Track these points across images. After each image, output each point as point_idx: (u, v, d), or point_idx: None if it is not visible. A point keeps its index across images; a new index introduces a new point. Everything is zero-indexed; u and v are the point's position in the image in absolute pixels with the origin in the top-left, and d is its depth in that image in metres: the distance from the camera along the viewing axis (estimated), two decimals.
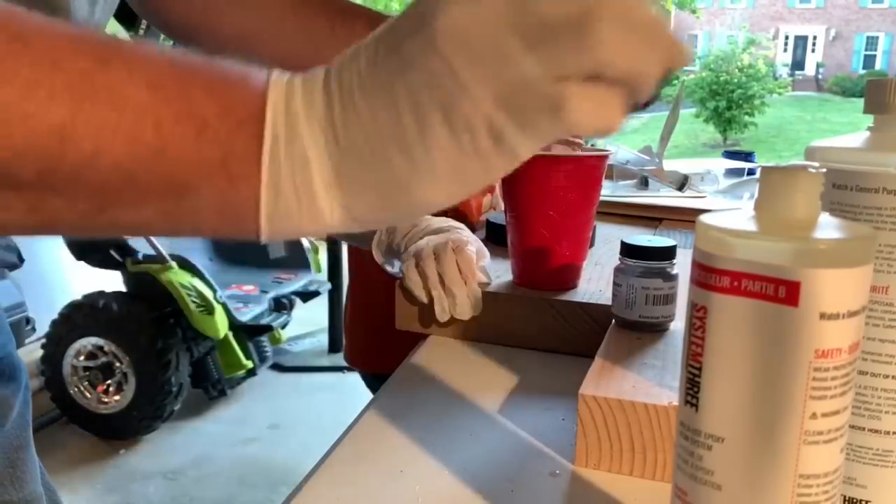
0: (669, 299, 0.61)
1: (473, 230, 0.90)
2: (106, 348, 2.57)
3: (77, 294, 2.68)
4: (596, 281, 0.76)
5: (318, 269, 3.22)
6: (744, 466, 0.29)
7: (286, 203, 0.28)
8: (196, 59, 0.28)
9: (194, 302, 2.54)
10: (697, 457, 0.31)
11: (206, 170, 0.27)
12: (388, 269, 0.86)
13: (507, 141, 0.26)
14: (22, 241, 2.47)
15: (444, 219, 0.82)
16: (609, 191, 1.24)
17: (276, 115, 0.27)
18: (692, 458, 0.31)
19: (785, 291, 0.27)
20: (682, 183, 1.23)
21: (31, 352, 2.64)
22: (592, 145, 0.90)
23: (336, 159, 0.27)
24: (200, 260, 2.86)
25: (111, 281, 2.74)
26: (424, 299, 0.71)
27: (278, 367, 3.21)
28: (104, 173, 0.26)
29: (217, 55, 0.87)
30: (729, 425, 0.29)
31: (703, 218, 0.30)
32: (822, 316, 0.27)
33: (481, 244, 0.77)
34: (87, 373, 2.60)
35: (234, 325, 2.67)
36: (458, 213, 1.08)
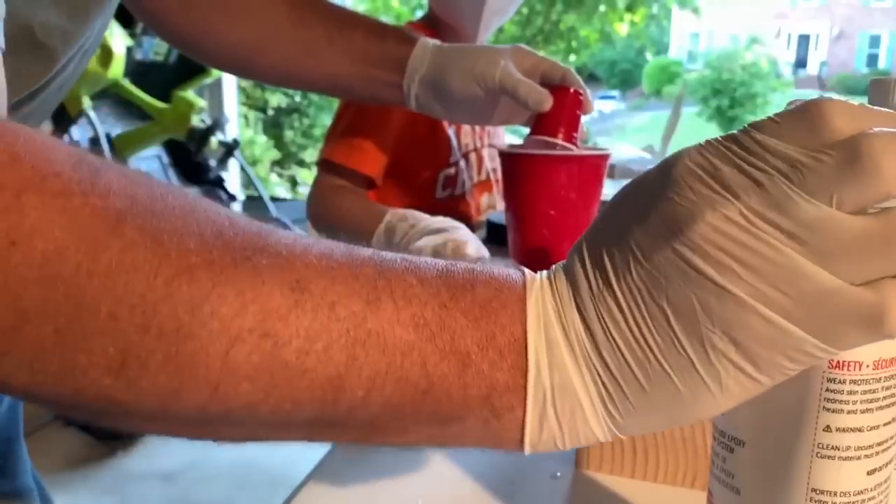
0: None
1: (473, 230, 0.89)
2: None
3: None
4: None
5: None
6: (760, 473, 0.29)
7: (550, 430, 0.27)
8: (456, 275, 0.27)
9: None
10: (722, 458, 0.31)
11: (469, 404, 0.26)
12: None
13: (811, 355, 0.24)
14: None
15: (442, 218, 0.81)
16: (610, 190, 1.23)
17: (537, 344, 0.26)
18: (718, 460, 0.31)
19: None
20: None
21: None
22: (594, 144, 0.89)
23: (606, 388, 0.26)
24: None
25: None
26: None
27: None
28: (374, 413, 0.26)
29: (217, 64, 0.88)
30: (749, 429, 0.29)
31: None
32: None
33: (480, 244, 0.76)
34: None
35: None
36: (457, 212, 1.07)
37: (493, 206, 1.15)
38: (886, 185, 0.22)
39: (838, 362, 0.27)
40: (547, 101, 0.71)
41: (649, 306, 0.25)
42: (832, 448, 0.28)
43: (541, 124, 0.73)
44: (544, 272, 0.28)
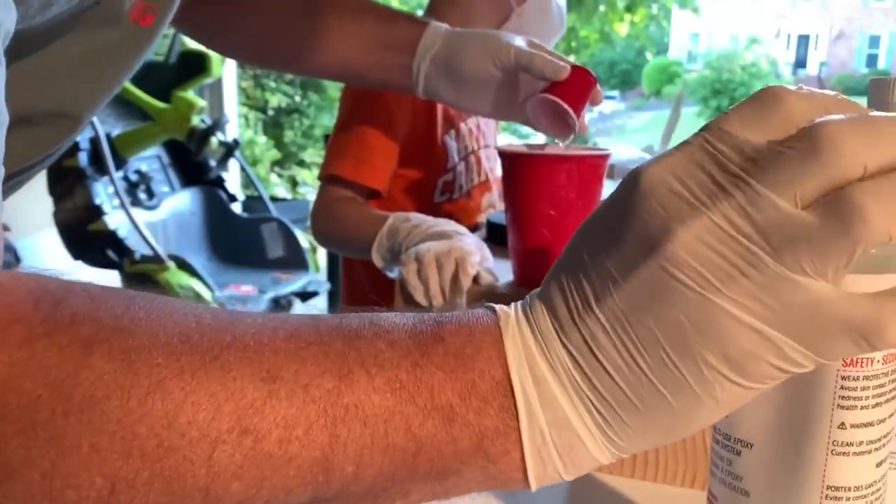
0: None
1: (473, 230, 0.89)
2: None
3: None
4: None
5: (317, 269, 3.22)
6: (771, 474, 0.29)
7: (553, 464, 0.26)
8: (425, 331, 0.27)
9: None
10: (727, 461, 0.30)
11: (462, 456, 0.26)
12: (389, 274, 0.85)
13: (800, 364, 0.23)
14: (19, 240, 2.47)
15: (446, 220, 0.81)
16: (610, 190, 1.23)
17: (523, 383, 0.26)
18: (723, 463, 0.31)
19: None
20: None
21: None
22: (594, 144, 0.90)
23: (602, 415, 0.25)
24: (198, 260, 2.86)
25: (109, 281, 2.73)
26: (425, 303, 0.71)
27: None
28: (368, 484, 0.26)
29: (231, 55, 0.90)
30: (758, 431, 0.29)
31: None
32: None
33: (485, 248, 0.76)
34: None
35: None
36: (456, 215, 1.07)
37: (492, 205, 1.15)
38: (846, 168, 0.22)
39: (852, 360, 0.27)
40: (564, 71, 0.71)
41: (636, 328, 0.24)
42: (846, 444, 0.28)
43: (551, 89, 0.73)
44: (518, 304, 0.28)
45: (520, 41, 0.73)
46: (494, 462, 0.26)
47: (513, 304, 0.28)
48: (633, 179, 0.25)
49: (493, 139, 1.18)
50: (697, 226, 0.23)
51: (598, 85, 0.75)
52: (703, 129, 0.25)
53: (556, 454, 0.26)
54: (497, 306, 0.28)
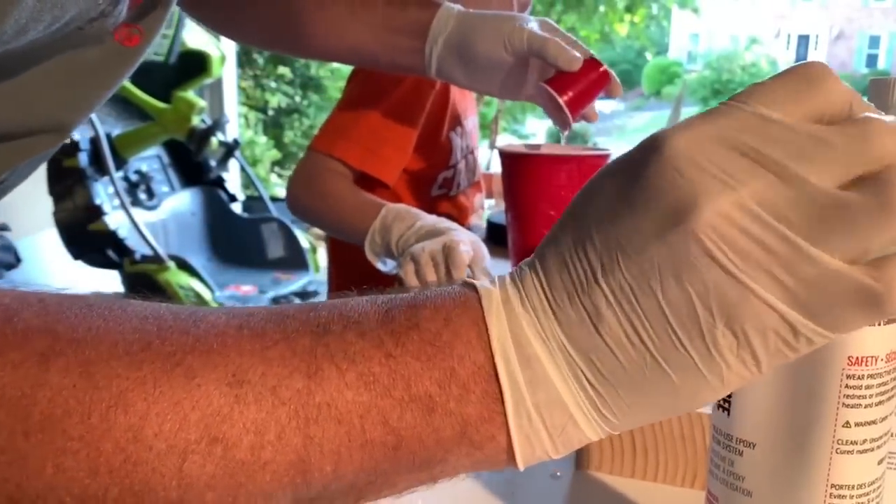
0: None
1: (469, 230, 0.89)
2: None
3: None
4: None
5: (317, 269, 3.22)
6: (774, 473, 0.29)
7: (542, 445, 0.25)
8: (398, 318, 0.26)
9: (192, 303, 2.54)
10: (729, 462, 0.30)
11: (446, 445, 0.25)
12: (381, 266, 0.85)
13: (810, 340, 0.23)
14: (19, 240, 2.47)
15: (437, 218, 0.81)
16: None
17: (508, 365, 0.24)
18: (724, 464, 0.31)
19: None
20: None
21: None
22: (594, 144, 0.89)
23: (598, 392, 0.24)
24: (198, 260, 2.86)
25: (109, 281, 2.73)
26: None
27: None
28: (350, 480, 0.25)
29: (244, 42, 0.94)
30: (760, 431, 0.29)
31: None
32: None
33: (481, 244, 0.76)
34: None
35: None
36: (451, 211, 1.07)
37: (482, 206, 1.15)
38: (891, 159, 0.22)
39: (857, 358, 0.27)
40: (577, 62, 0.69)
41: (642, 302, 0.23)
42: (850, 443, 0.28)
43: (555, 79, 0.71)
44: (505, 279, 0.26)
45: (534, 24, 0.72)
46: (480, 448, 0.25)
47: (497, 279, 0.26)
48: (654, 146, 0.24)
49: (475, 140, 1.18)
50: (726, 201, 0.22)
51: (614, 77, 0.73)
52: (734, 99, 0.24)
53: (545, 435, 0.25)
54: (478, 283, 0.26)
